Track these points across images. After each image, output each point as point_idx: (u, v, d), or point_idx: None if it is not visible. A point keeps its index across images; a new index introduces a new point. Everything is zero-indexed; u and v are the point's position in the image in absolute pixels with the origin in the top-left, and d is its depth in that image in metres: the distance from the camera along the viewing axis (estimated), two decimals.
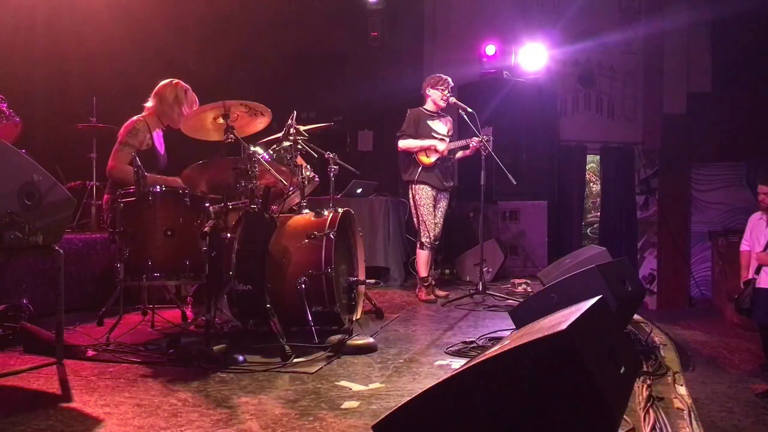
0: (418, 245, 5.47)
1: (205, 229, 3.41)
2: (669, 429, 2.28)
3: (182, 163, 3.98)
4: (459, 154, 5.51)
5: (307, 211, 3.95)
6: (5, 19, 6.00)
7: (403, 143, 5.37)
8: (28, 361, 3.05)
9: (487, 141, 5.32)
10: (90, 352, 3.20)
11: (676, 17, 8.80)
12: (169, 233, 3.36)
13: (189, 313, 4.08)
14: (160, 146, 4.45)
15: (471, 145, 5.38)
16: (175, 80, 4.46)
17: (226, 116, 3.65)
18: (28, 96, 5.95)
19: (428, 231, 5.37)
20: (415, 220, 5.44)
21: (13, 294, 3.69)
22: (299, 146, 4.11)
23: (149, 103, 4.43)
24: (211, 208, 3.62)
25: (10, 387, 2.71)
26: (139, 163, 3.41)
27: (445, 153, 5.39)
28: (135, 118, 4.35)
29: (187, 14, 7.17)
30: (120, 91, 5.14)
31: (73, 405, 2.45)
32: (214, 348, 3.09)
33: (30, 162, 2.84)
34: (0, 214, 2.61)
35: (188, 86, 4.47)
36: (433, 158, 5.35)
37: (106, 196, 4.35)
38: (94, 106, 6.02)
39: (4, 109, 5.09)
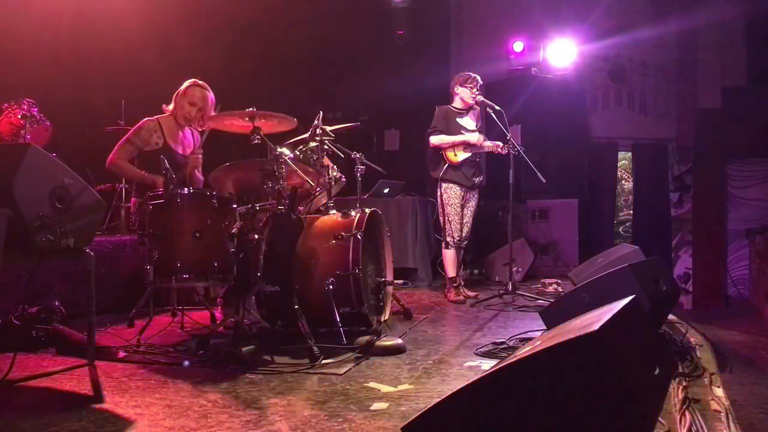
0: (443, 245, 5.43)
1: (233, 231, 3.42)
2: (706, 431, 2.22)
3: (210, 165, 4.01)
4: (489, 144, 5.45)
5: (334, 211, 3.95)
6: (32, 27, 6.11)
7: (435, 139, 5.33)
8: (60, 362, 3.10)
9: (512, 147, 5.29)
10: (121, 354, 3.24)
11: (710, 10, 8.61)
12: (197, 235, 3.38)
13: (218, 314, 4.10)
14: (179, 146, 4.46)
15: (497, 151, 5.35)
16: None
17: (252, 118, 3.66)
18: (58, 100, 6.05)
19: (453, 230, 5.33)
20: (441, 219, 5.40)
21: (46, 296, 3.74)
22: (326, 147, 4.10)
23: (171, 105, 4.48)
24: (238, 209, 3.63)
25: (44, 388, 2.75)
26: (167, 166, 3.44)
27: (480, 143, 5.35)
28: (146, 118, 4.41)
29: (211, 18, 7.22)
30: (147, 94, 5.20)
31: (105, 406, 2.48)
32: (243, 349, 3.10)
33: (61, 165, 2.88)
34: (32, 217, 2.64)
35: (201, 83, 4.47)
36: (461, 157, 5.31)
37: (133, 200, 4.40)
38: (122, 109, 6.11)
39: (35, 113, 5.20)
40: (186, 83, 4.44)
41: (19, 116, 5.13)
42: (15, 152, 2.74)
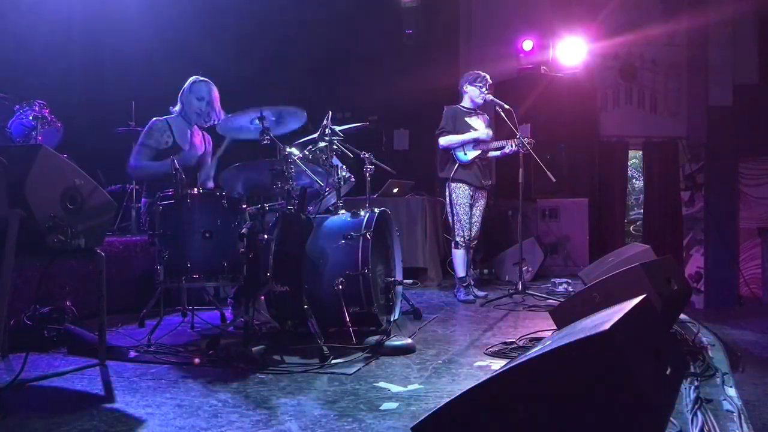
0: (453, 245, 5.42)
1: (243, 231, 3.43)
2: (718, 431, 2.21)
3: (220, 165, 4.02)
4: (497, 153, 5.44)
5: (343, 211, 3.95)
6: (43, 29, 6.15)
7: (444, 140, 5.32)
8: (72, 362, 3.11)
9: (526, 143, 5.25)
10: (132, 354, 3.25)
11: (721, 7, 8.55)
12: (207, 235, 3.39)
13: (228, 314, 4.11)
14: (188, 144, 4.48)
15: (508, 150, 5.32)
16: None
17: (261, 118, 3.67)
18: (68, 102, 6.09)
19: (462, 230, 5.32)
20: (450, 218, 5.40)
21: (57, 297, 3.76)
22: (335, 146, 4.11)
23: (177, 106, 4.52)
24: (248, 209, 3.64)
25: (55, 388, 2.76)
26: (177, 166, 3.45)
27: (489, 141, 5.32)
28: (155, 118, 4.45)
29: (220, 18, 7.25)
30: (157, 95, 5.23)
31: (116, 406, 2.48)
32: (253, 349, 3.10)
33: (72, 166, 2.89)
34: (43, 217, 2.65)
35: (203, 78, 4.50)
36: (471, 155, 5.29)
37: (143, 200, 4.43)
38: (132, 111, 6.14)
39: (46, 114, 5.23)
40: (189, 81, 4.50)
41: (30, 117, 5.17)
42: (26, 153, 2.75)
